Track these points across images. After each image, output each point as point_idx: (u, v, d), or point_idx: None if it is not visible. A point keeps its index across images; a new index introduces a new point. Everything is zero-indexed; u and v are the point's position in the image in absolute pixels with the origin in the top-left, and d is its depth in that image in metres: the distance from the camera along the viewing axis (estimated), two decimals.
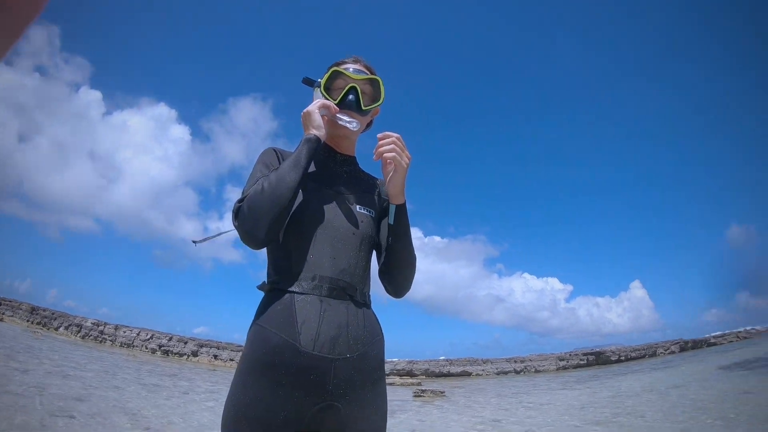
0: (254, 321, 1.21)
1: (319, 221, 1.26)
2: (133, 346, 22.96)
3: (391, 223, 1.35)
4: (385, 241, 1.40)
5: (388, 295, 1.47)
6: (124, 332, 23.49)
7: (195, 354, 23.77)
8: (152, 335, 23.73)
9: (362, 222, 1.34)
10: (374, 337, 1.25)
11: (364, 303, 1.28)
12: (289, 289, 1.19)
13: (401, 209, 1.35)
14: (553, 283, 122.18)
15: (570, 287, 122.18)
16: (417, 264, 1.43)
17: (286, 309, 1.15)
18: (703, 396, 9.79)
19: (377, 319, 1.32)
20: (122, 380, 11.01)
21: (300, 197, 1.25)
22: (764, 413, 7.08)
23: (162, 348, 23.38)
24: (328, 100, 1.36)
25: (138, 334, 23.54)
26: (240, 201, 1.20)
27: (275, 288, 1.22)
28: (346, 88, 1.35)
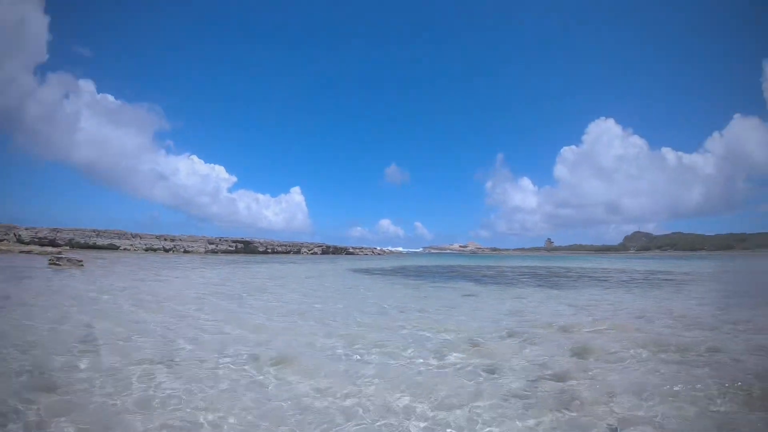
0: None
1: None
2: None
3: None
4: None
5: None
6: None
7: None
8: None
9: None
10: None
11: None
12: None
13: None
14: (220, 171, 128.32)
15: (235, 179, 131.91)
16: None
17: None
18: (334, 283, 15.34)
19: None
20: None
21: None
22: (360, 297, 12.43)
23: None
24: None
25: None
26: None
27: None
28: None
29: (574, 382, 3.78)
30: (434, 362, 4.52)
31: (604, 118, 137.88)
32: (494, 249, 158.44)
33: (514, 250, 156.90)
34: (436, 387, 3.71)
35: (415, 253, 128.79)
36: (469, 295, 10.99)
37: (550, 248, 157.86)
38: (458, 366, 4.36)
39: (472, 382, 3.88)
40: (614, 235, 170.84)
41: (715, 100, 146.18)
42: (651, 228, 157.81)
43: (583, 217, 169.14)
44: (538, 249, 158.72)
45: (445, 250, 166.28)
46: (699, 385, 3.59)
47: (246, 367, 4.21)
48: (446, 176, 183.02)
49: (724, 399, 3.29)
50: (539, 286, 13.99)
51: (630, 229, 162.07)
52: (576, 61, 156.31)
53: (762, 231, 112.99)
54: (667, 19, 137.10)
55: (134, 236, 52.11)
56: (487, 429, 2.93)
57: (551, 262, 41.51)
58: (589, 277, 18.40)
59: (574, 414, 3.11)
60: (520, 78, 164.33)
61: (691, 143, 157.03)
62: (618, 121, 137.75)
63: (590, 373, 4.02)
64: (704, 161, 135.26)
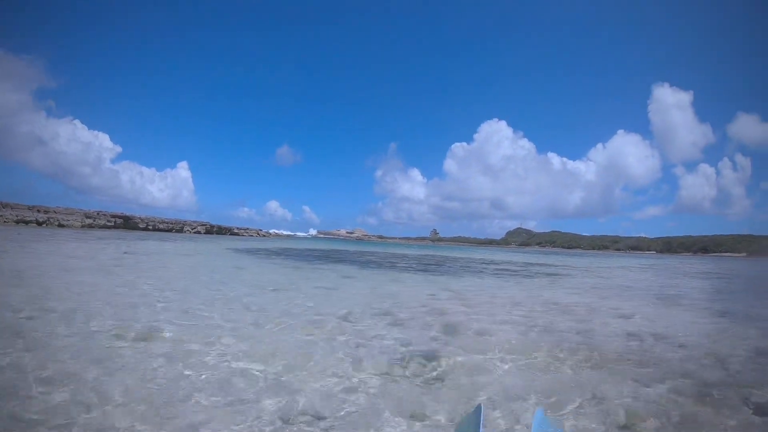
0: None
1: None
2: None
3: None
4: None
5: None
6: None
7: None
8: None
9: None
10: None
11: None
12: None
13: None
14: (104, 139, 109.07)
15: (119, 149, 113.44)
16: None
17: None
18: (211, 261, 13.95)
19: None
20: None
21: None
22: (251, 279, 10.83)
23: None
24: None
25: None
26: None
27: None
28: None
29: (442, 360, 3.64)
30: (302, 337, 4.24)
31: (497, 119, 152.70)
32: (380, 236, 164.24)
33: (400, 238, 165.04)
34: (297, 357, 3.52)
35: (304, 238, 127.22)
36: (348, 277, 10.83)
37: (435, 239, 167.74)
38: (324, 341, 4.09)
39: (338, 354, 3.67)
40: (497, 230, 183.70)
41: (603, 114, 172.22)
42: (532, 225, 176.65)
43: (468, 211, 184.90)
44: (423, 239, 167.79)
45: (332, 235, 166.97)
46: (561, 354, 3.88)
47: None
48: (338, 161, 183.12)
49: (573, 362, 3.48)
50: (420, 271, 14.43)
51: (512, 225, 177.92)
52: (476, 62, 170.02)
53: (634, 235, 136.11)
54: (566, 34, 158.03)
55: (4, 206, 42.52)
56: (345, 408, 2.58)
57: (435, 252, 43.93)
58: (469, 266, 19.38)
59: (440, 391, 2.95)
60: (421, 71, 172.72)
61: (577, 151, 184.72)
62: (510, 124, 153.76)
63: (457, 352, 3.93)
64: (586, 168, 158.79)
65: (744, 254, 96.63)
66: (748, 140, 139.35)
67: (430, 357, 3.70)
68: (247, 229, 77.14)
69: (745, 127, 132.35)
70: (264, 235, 78.33)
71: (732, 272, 23.91)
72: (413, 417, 2.48)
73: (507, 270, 17.38)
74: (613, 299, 8.64)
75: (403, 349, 3.93)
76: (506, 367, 3.53)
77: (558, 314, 6.35)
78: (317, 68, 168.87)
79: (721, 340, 4.92)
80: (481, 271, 15.91)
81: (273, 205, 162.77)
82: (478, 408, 1.25)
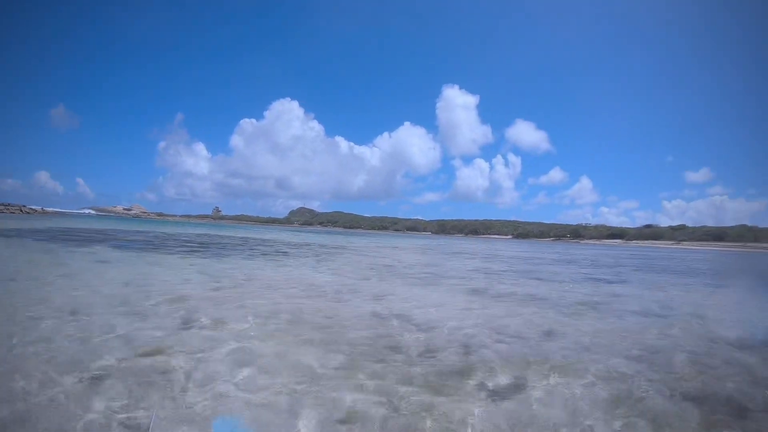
0: None
1: None
2: None
3: None
4: None
5: None
6: None
7: None
8: None
9: None
10: None
11: None
12: None
13: None
14: None
15: None
16: None
17: None
18: None
19: None
20: None
21: None
22: None
23: None
24: None
25: None
26: None
27: None
28: None
29: (168, 357, 3.61)
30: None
31: (289, 98, 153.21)
32: (160, 214, 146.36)
33: (180, 216, 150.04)
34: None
35: (78, 215, 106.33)
36: (103, 261, 10.70)
37: (217, 216, 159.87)
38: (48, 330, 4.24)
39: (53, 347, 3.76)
40: (281, 209, 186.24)
41: (387, 106, 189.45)
42: (316, 206, 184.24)
43: (253, 189, 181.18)
44: (205, 216, 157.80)
45: (107, 212, 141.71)
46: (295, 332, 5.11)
47: None
48: (120, 128, 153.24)
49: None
50: (187, 252, 14.38)
51: (296, 204, 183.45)
52: (263, 37, 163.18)
53: (412, 217, 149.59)
54: (361, 27, 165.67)
55: None
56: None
57: (215, 231, 42.63)
58: (242, 246, 19.60)
59: (174, 393, 2.92)
60: (211, 41, 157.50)
61: (364, 137, 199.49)
62: (302, 105, 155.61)
63: (194, 349, 3.86)
64: (372, 154, 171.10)
65: (510, 236, 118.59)
66: (521, 143, 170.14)
67: (153, 352, 3.72)
68: (9, 205, 69.48)
69: (521, 131, 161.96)
70: (28, 212, 70.69)
71: (497, 252, 29.90)
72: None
73: (280, 251, 18.60)
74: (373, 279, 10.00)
75: (129, 345, 3.87)
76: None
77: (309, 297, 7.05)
78: (105, 16, 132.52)
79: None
80: (252, 250, 16.90)
81: (42, 177, 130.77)
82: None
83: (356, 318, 5.63)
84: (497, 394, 3.23)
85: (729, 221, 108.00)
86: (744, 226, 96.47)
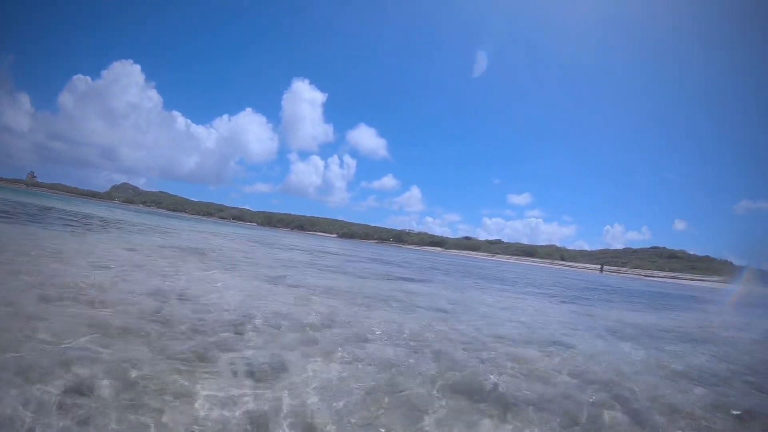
0: None
1: None
2: None
3: None
4: None
5: None
6: None
7: None
8: None
9: None
10: None
11: None
12: None
13: None
14: None
15: None
16: None
17: None
18: None
19: None
20: None
21: None
22: None
23: None
24: None
25: None
26: None
27: None
28: None
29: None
30: None
31: (132, 61, 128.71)
32: None
33: None
34: None
35: None
36: None
37: (31, 183, 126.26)
38: None
39: None
40: (103, 182, 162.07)
41: (231, 88, 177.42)
42: (141, 183, 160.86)
43: (75, 156, 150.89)
44: (17, 182, 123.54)
45: None
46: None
47: None
48: None
49: None
50: None
51: (120, 179, 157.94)
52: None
53: (239, 206, 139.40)
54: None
55: None
56: None
57: (25, 199, 35.53)
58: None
59: None
60: None
61: (203, 116, 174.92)
62: (144, 71, 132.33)
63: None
64: (208, 135, 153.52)
65: (335, 235, 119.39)
66: (361, 146, 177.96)
67: None
68: None
69: (362, 136, 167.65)
70: None
71: (317, 248, 29.86)
72: None
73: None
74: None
75: None
76: None
77: None
78: None
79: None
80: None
81: None
82: None
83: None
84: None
85: (541, 241, 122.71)
86: (553, 246, 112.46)
